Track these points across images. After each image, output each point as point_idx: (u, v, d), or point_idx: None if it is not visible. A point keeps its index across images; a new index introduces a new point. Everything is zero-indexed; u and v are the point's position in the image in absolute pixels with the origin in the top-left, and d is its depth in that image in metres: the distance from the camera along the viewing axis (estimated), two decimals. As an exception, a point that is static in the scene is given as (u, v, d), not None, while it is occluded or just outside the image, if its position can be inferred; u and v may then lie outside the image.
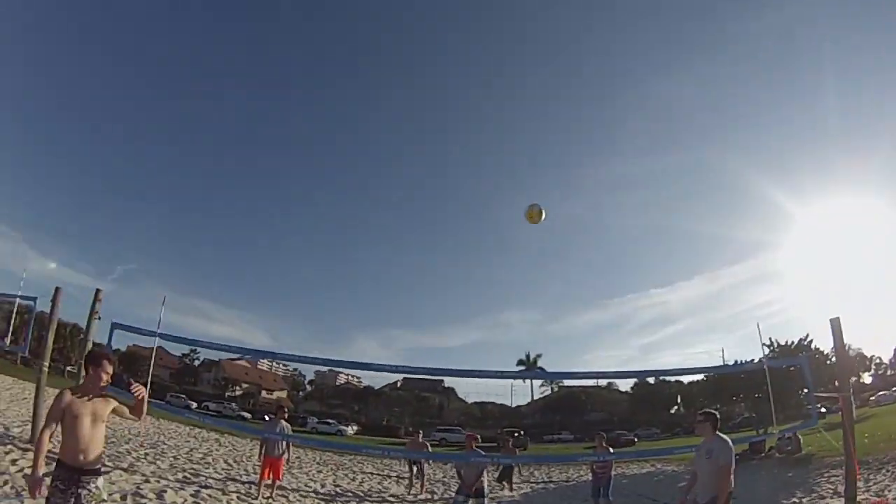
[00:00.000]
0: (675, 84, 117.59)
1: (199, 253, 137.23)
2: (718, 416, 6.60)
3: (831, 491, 13.30)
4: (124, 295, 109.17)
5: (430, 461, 17.61)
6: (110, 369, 4.36)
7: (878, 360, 65.93)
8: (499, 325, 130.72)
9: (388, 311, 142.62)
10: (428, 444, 15.54)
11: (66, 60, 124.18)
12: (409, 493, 15.58)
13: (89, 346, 10.76)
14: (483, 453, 10.54)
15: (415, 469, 16.22)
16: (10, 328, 15.51)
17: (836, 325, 10.29)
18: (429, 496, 15.21)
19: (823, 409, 45.67)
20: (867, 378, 63.51)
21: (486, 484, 9.85)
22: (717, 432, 6.34)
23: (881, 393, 47.31)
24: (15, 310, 12.91)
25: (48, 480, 3.99)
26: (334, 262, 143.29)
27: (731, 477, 6.06)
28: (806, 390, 20.06)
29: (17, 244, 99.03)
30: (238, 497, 10.58)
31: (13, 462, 8.79)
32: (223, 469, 14.73)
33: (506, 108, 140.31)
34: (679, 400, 76.53)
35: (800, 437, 22.09)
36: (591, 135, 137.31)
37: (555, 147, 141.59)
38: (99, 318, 11.19)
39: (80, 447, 4.09)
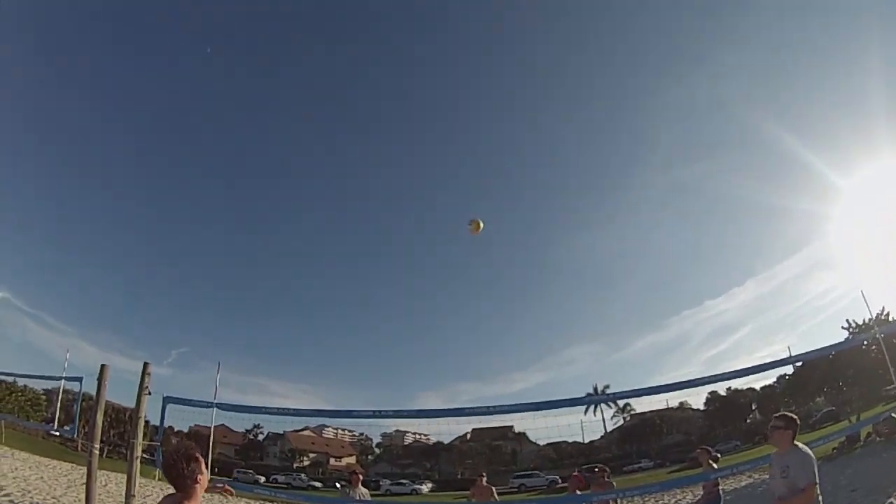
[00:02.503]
0: (706, 82, 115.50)
1: (251, 330, 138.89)
2: (798, 421, 5.23)
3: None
4: (181, 378, 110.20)
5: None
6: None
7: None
8: (562, 362, 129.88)
9: (449, 366, 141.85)
10: (494, 490, 13.73)
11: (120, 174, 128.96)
12: None
13: (141, 423, 9.77)
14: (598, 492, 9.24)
15: None
16: (57, 412, 14.85)
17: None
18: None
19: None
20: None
21: None
22: (795, 442, 5.07)
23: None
24: (60, 392, 12.21)
25: None
26: (389, 323, 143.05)
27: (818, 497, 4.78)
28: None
29: (73, 339, 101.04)
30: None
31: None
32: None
33: (544, 147, 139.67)
34: (754, 407, 73.74)
35: (893, 416, 20.93)
36: (624, 150, 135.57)
37: (592, 170, 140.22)
38: (150, 394, 10.34)
39: None
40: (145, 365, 10.53)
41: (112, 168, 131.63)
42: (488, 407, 9.33)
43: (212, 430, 11.37)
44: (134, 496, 8.89)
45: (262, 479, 59.46)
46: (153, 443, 11.25)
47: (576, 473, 9.60)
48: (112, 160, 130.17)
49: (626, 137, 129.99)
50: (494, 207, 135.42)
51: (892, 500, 10.00)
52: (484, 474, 14.31)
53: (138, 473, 9.10)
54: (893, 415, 20.79)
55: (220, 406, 10.65)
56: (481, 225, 9.95)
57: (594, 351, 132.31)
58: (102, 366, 10.63)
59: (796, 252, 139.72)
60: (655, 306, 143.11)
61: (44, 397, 58.05)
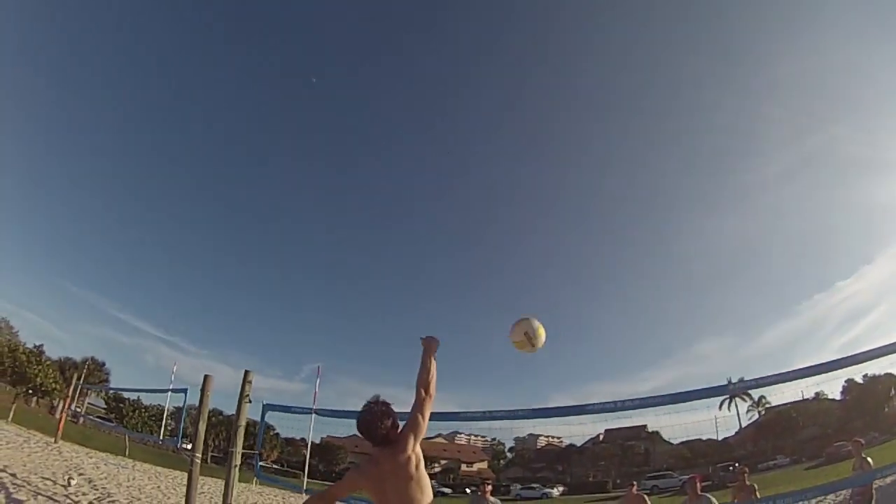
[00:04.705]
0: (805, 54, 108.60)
1: (379, 339, 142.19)
2: None
3: None
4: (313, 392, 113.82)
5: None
6: None
7: None
8: (694, 358, 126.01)
9: (580, 366, 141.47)
10: (646, 496, 12.61)
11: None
12: None
13: (241, 431, 9.74)
14: (715, 501, 8.31)
15: None
16: (163, 424, 15.26)
17: None
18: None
19: None
20: None
21: None
22: None
23: None
24: (167, 403, 12.48)
25: None
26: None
27: None
28: None
29: (208, 361, 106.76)
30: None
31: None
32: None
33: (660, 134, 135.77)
34: (892, 393, 67.85)
35: None
36: (737, 133, 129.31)
37: (709, 156, 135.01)
38: (250, 402, 10.29)
39: None
40: (246, 373, 10.55)
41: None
42: (615, 402, 8.64)
43: (309, 435, 11.23)
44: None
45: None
46: (251, 451, 11.23)
47: (693, 475, 8.60)
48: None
49: (743, 115, 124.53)
50: (615, 201, 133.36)
51: None
52: (634, 483, 13.38)
53: (237, 480, 9.01)
54: None
55: (318, 412, 10.52)
56: (536, 339, 5.22)
57: (725, 344, 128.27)
58: (206, 376, 10.74)
59: None
60: (786, 292, 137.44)
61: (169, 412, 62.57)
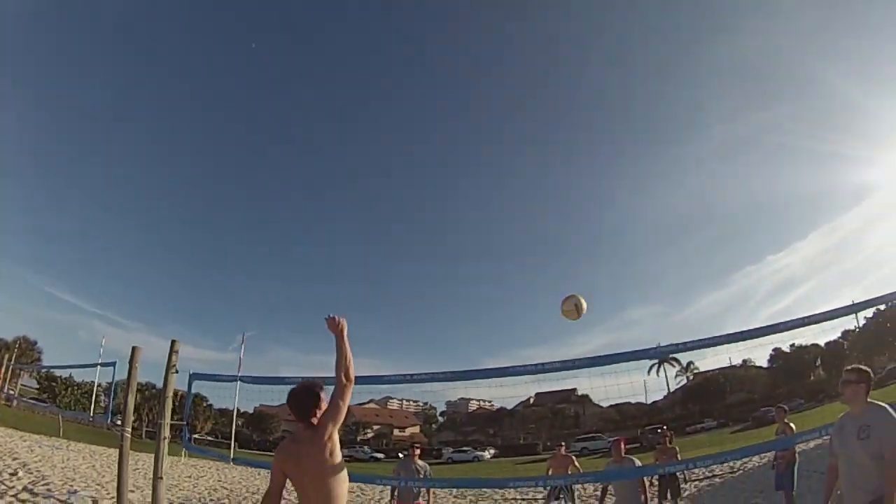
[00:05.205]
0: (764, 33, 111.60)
1: (315, 308, 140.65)
2: (872, 375, 4.48)
3: None
4: (251, 363, 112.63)
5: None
6: None
7: None
8: (624, 324, 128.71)
9: (513, 332, 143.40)
10: (574, 457, 12.89)
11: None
12: None
13: (168, 402, 9.54)
14: (639, 463, 8.62)
15: (559, 494, 12.35)
16: (92, 400, 14.93)
17: None
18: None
19: None
20: None
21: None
22: (869, 399, 4.36)
23: None
24: (96, 379, 12.21)
25: None
26: (453, 292, 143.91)
27: None
28: None
29: (143, 335, 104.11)
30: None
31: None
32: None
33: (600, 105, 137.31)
34: (818, 364, 71.36)
35: None
36: (681, 106, 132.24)
37: (644, 130, 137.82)
38: (177, 372, 10.06)
39: None
40: (173, 343, 10.22)
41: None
42: (544, 364, 8.73)
43: (235, 402, 11.01)
44: (161, 478, 8.69)
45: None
46: (179, 422, 11.04)
47: (617, 438, 8.88)
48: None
49: (683, 93, 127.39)
50: (552, 167, 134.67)
51: None
52: (563, 444, 13.37)
53: (166, 454, 8.89)
54: None
55: (243, 380, 10.24)
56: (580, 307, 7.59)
57: (656, 312, 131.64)
58: (134, 348, 10.41)
59: (860, 202, 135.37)
60: (717, 263, 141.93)
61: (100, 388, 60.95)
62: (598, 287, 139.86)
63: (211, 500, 15.77)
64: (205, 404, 66.17)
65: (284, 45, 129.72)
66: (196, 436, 57.57)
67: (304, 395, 3.68)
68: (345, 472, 3.63)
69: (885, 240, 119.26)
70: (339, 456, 3.59)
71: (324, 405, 3.63)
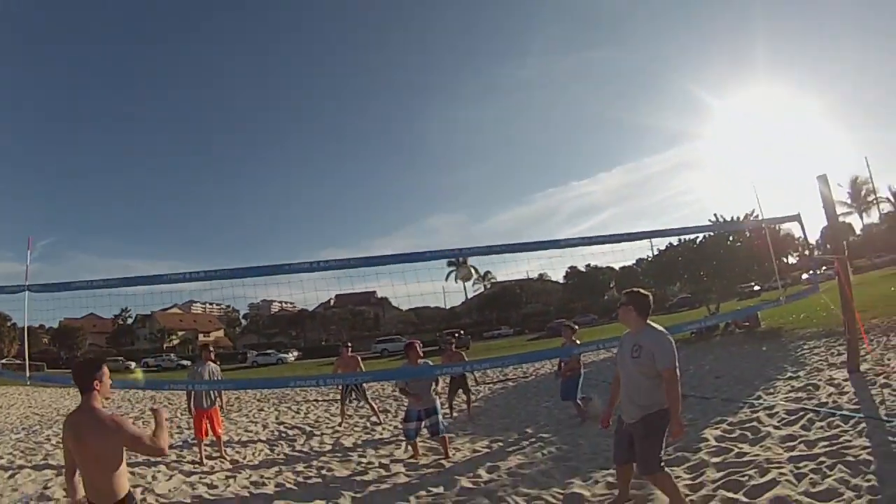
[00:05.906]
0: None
1: (121, 212, 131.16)
2: (650, 297, 4.69)
3: (824, 362, 11.86)
4: (51, 272, 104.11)
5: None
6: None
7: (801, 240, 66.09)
8: (425, 231, 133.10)
9: (314, 233, 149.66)
10: (359, 358, 12.73)
11: None
12: (340, 426, 12.01)
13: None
14: (431, 363, 8.85)
15: (352, 395, 12.59)
16: None
17: (824, 183, 9.68)
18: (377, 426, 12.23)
19: (757, 287, 46.16)
20: (793, 259, 64.41)
21: (437, 399, 8.19)
22: (648, 322, 4.60)
23: (810, 274, 46.67)
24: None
25: None
26: (249, 190, 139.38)
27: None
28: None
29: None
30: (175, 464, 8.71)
31: None
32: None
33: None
34: (612, 285, 77.38)
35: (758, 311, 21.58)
36: (503, 36, 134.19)
37: (467, 51, 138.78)
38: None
39: None
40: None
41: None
42: (349, 259, 8.64)
43: (25, 316, 9.32)
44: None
45: (133, 364, 57.54)
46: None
47: (410, 340, 8.59)
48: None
49: (503, 18, 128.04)
50: (370, 76, 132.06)
51: (759, 393, 9.60)
52: (349, 344, 13.58)
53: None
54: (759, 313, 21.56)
55: (31, 288, 8.95)
56: None
57: (456, 221, 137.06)
58: None
59: (667, 149, 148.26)
60: (522, 182, 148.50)
61: None
62: (401, 193, 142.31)
63: (23, 427, 15.19)
64: (8, 323, 61.19)
65: None
66: (4, 360, 52.40)
67: (84, 366, 3.51)
68: (125, 470, 3.41)
69: (687, 186, 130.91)
70: (122, 448, 3.34)
71: (105, 379, 3.48)
